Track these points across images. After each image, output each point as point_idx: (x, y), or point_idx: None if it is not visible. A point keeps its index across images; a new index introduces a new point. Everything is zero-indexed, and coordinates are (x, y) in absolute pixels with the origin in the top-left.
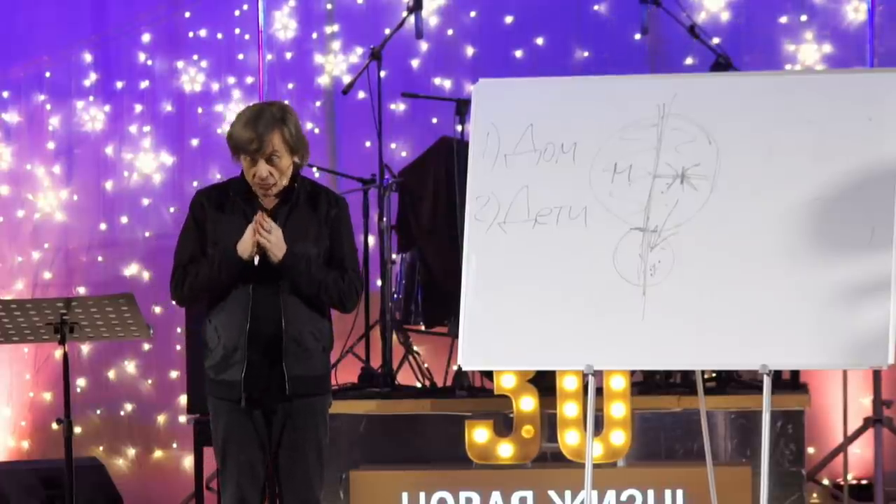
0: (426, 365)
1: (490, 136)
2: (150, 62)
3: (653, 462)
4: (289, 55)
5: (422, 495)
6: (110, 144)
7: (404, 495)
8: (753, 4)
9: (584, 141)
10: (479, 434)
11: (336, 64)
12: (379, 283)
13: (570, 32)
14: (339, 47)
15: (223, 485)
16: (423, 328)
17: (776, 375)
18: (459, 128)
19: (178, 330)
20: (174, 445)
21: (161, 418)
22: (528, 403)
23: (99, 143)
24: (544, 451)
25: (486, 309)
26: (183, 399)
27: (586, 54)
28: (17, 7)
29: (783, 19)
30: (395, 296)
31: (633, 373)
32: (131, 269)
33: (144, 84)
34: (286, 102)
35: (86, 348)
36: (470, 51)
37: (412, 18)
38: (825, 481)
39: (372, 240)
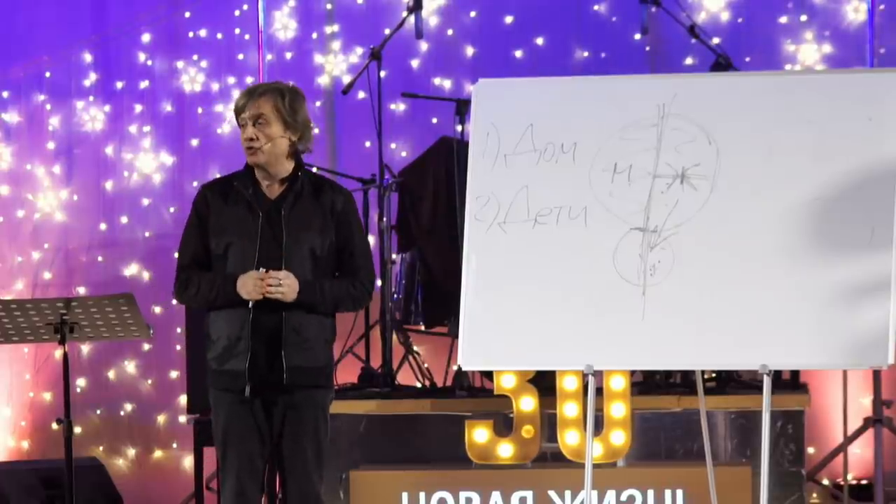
0: (426, 365)
1: (490, 136)
2: (150, 62)
3: (653, 462)
4: (289, 55)
5: (422, 495)
6: (110, 144)
7: (404, 495)
8: (753, 4)
9: (584, 141)
10: (479, 434)
11: (336, 64)
12: (379, 283)
13: (570, 32)
14: (339, 47)
15: (223, 477)
16: (423, 328)
17: (776, 375)
18: (459, 128)
19: (178, 330)
20: (174, 445)
21: (161, 418)
22: (528, 403)
23: (99, 143)
24: (544, 451)
25: (486, 309)
26: (183, 399)
27: (586, 54)
28: (17, 7)
29: (783, 19)
30: (395, 296)
31: (633, 373)
32: (131, 269)
33: (144, 84)
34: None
35: (86, 348)
36: (470, 51)
37: (412, 18)
38: (825, 481)
39: (372, 240)
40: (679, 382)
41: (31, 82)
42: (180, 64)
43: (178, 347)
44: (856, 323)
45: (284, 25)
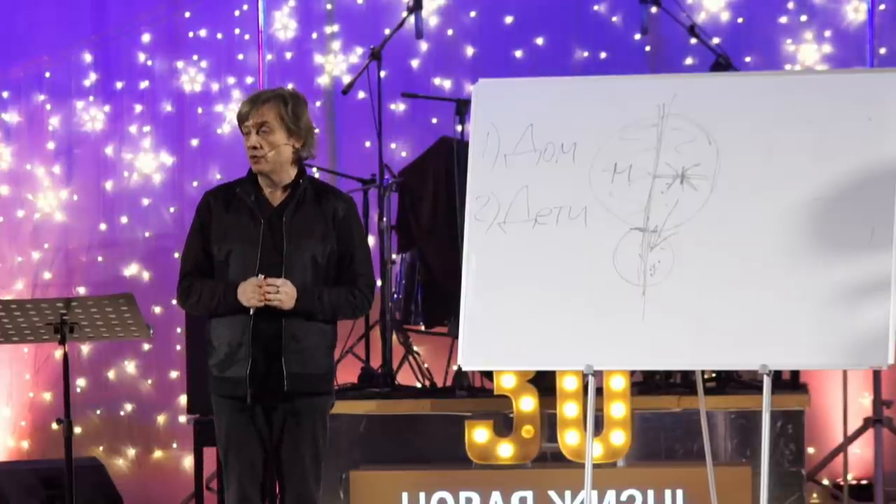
0: (426, 365)
1: (490, 136)
2: (150, 62)
3: (653, 462)
4: (289, 55)
5: (422, 495)
6: (110, 144)
7: (404, 495)
8: (753, 4)
9: (584, 141)
10: (479, 434)
11: (336, 64)
12: (379, 283)
13: (570, 32)
14: (339, 47)
15: (226, 483)
16: (423, 328)
17: (776, 375)
18: (459, 128)
19: (178, 330)
20: (174, 445)
21: (161, 418)
22: (528, 403)
23: (99, 143)
24: (544, 451)
25: (486, 309)
26: (183, 399)
27: (586, 54)
28: (17, 7)
29: (783, 19)
30: (395, 296)
31: (633, 373)
32: (131, 269)
33: (144, 84)
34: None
35: (86, 348)
36: (470, 51)
37: (412, 18)
38: (825, 481)
39: (372, 240)
40: (679, 382)
41: (31, 82)
42: (180, 64)
43: (178, 347)
44: (856, 323)
45: (284, 25)
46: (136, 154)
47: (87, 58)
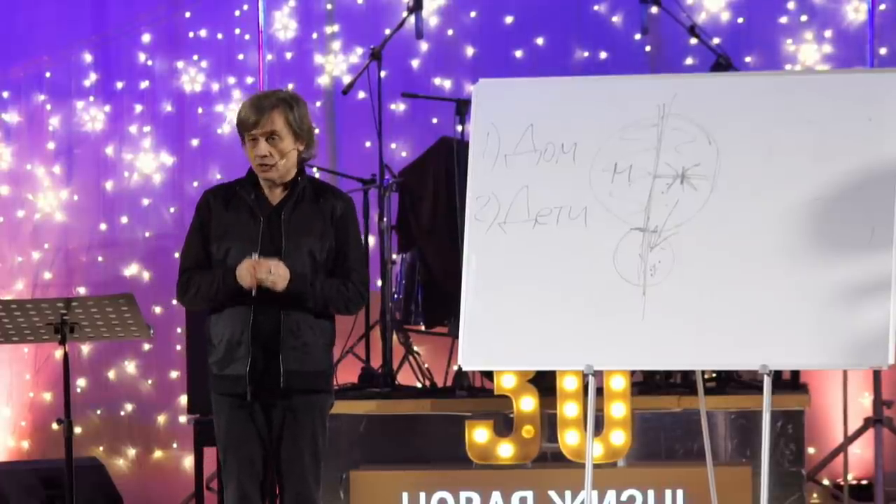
0: (426, 365)
1: (490, 136)
2: (150, 62)
3: (653, 462)
4: (289, 55)
5: (422, 495)
6: (110, 144)
7: (404, 495)
8: (753, 4)
9: (584, 141)
10: (479, 434)
11: (336, 64)
12: (379, 283)
13: (570, 32)
14: (339, 47)
15: (225, 481)
16: (423, 328)
17: (776, 375)
18: (459, 128)
19: (178, 330)
20: (174, 445)
21: (161, 418)
22: (528, 403)
23: (99, 143)
24: (544, 452)
25: (486, 309)
26: (183, 399)
27: (586, 54)
28: (17, 7)
29: (783, 19)
30: (396, 296)
31: (633, 373)
32: (131, 270)
33: (144, 84)
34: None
35: (86, 348)
36: (470, 51)
37: (412, 18)
38: (825, 481)
39: (372, 240)
40: (679, 382)
41: (31, 82)
42: (180, 64)
43: (179, 347)
44: (856, 323)
45: (284, 25)
46: (136, 154)
47: (88, 58)
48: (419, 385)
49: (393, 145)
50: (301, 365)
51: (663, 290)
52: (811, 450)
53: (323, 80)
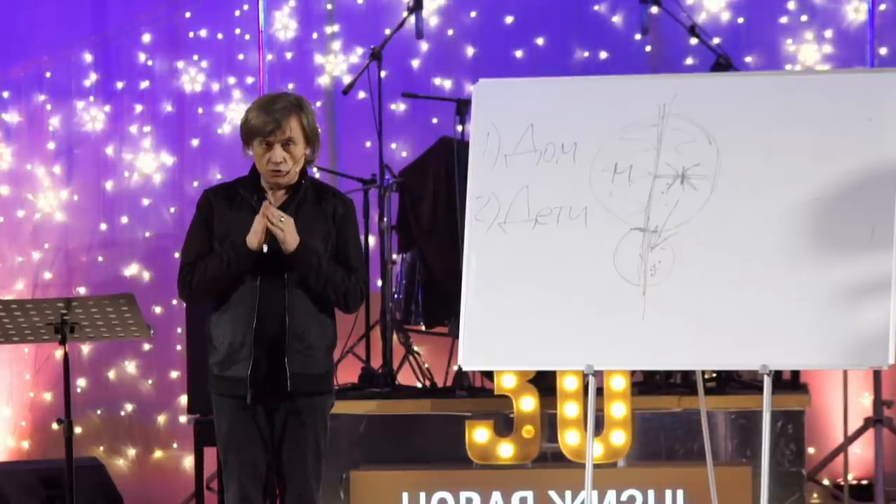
0: (426, 365)
1: (490, 136)
2: (150, 62)
3: (653, 462)
4: (289, 55)
5: (422, 495)
6: (110, 144)
7: (404, 495)
8: (753, 4)
9: (584, 141)
10: (479, 434)
11: (336, 64)
12: (379, 283)
13: (570, 32)
14: (339, 47)
15: (226, 483)
16: (423, 328)
17: (776, 375)
18: (459, 128)
19: (179, 330)
20: (174, 445)
21: (161, 418)
22: (528, 403)
23: (99, 143)
24: (544, 452)
25: (486, 309)
26: (183, 399)
27: (586, 54)
28: (17, 7)
29: (783, 19)
30: (396, 296)
31: (633, 373)
32: (131, 270)
33: (144, 84)
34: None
35: (86, 348)
36: (470, 51)
37: (412, 18)
38: (825, 481)
39: (372, 240)
40: (679, 382)
41: (31, 82)
42: (180, 64)
43: (179, 347)
44: (856, 323)
45: (285, 25)
46: (136, 154)
47: (88, 58)
48: (419, 385)
49: (393, 145)
50: (305, 368)
51: (663, 290)
52: (811, 450)
53: (323, 80)
